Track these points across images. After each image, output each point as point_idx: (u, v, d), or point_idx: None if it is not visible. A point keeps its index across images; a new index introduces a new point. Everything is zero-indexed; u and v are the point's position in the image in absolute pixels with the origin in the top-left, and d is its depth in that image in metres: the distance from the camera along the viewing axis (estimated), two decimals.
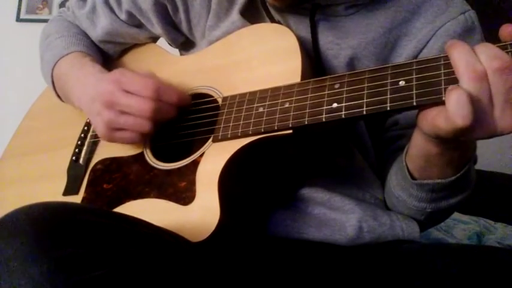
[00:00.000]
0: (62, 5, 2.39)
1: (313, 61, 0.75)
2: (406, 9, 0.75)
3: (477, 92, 0.52)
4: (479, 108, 0.52)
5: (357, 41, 0.74)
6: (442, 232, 1.51)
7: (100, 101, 0.73)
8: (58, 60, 0.87)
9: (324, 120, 0.62)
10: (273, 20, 0.77)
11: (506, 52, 0.52)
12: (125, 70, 0.76)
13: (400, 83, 0.58)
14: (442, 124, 0.54)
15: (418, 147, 0.64)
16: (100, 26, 0.90)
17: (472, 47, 0.54)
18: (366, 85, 0.60)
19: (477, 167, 0.72)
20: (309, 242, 0.73)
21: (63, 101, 0.91)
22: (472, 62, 0.52)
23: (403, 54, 0.75)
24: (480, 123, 0.52)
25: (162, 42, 0.92)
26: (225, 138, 0.68)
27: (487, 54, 0.52)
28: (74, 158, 0.85)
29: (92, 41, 0.93)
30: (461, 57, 0.53)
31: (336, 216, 0.73)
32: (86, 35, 0.93)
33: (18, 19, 2.42)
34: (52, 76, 0.88)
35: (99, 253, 0.48)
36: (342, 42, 0.75)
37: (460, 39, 0.73)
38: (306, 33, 0.75)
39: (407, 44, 0.75)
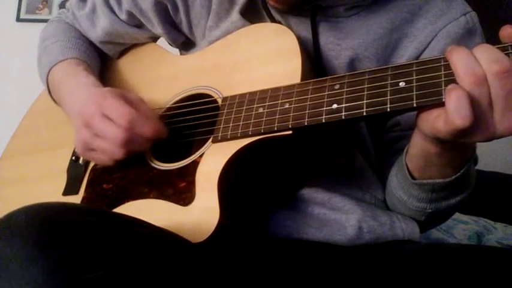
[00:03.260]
0: (62, 5, 2.39)
1: (314, 62, 0.75)
2: (407, 11, 0.75)
3: (477, 95, 0.51)
4: (479, 112, 0.51)
5: (357, 42, 0.74)
6: (442, 232, 1.51)
7: (81, 119, 0.74)
8: (53, 66, 0.87)
9: (323, 121, 0.62)
10: (273, 21, 0.77)
11: (506, 54, 0.52)
12: (109, 93, 0.75)
13: (400, 84, 0.58)
14: (442, 127, 0.54)
15: (417, 146, 0.64)
16: (100, 27, 0.90)
17: (472, 48, 0.54)
18: (366, 86, 0.60)
19: (477, 167, 0.72)
20: (309, 242, 0.73)
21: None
22: (471, 65, 0.52)
23: (404, 56, 0.75)
24: (480, 126, 0.52)
25: (162, 42, 0.92)
26: (224, 139, 0.68)
27: (487, 57, 0.52)
28: (73, 157, 0.85)
29: (89, 44, 0.93)
30: (460, 60, 0.53)
31: (336, 217, 0.73)
32: (84, 38, 0.93)
33: (18, 19, 2.41)
34: (47, 81, 0.88)
35: (99, 254, 0.48)
36: (343, 43, 0.75)
37: (461, 40, 0.73)
38: (307, 34, 0.75)
39: (408, 45, 0.75)
